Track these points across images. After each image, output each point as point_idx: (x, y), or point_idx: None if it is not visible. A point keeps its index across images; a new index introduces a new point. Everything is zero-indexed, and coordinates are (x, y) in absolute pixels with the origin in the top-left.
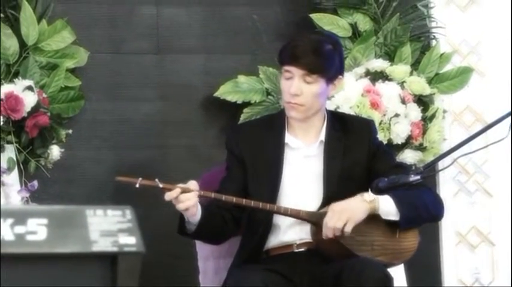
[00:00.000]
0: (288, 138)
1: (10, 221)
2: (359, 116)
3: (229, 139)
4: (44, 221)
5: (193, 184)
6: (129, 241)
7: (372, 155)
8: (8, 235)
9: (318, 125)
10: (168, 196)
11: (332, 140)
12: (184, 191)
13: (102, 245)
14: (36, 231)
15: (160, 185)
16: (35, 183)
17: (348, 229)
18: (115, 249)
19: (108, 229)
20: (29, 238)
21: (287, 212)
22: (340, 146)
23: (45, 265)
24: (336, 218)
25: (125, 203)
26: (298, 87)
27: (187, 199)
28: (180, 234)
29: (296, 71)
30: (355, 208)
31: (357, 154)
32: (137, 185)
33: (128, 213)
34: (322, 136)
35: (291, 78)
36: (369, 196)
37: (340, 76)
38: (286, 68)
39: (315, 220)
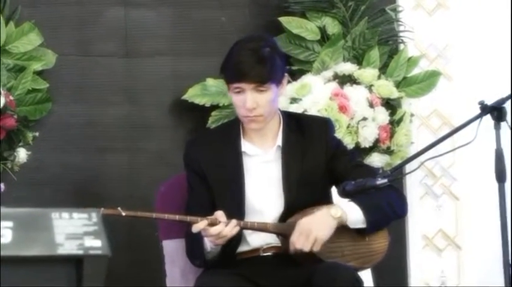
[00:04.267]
0: (245, 146)
1: None
2: (315, 115)
3: (187, 156)
4: (9, 224)
5: (220, 215)
6: (95, 244)
7: (330, 155)
8: None
9: (274, 129)
10: (198, 227)
11: (289, 144)
12: (214, 220)
13: (68, 248)
14: (2, 234)
15: (123, 214)
16: (1, 186)
17: (316, 248)
18: (80, 252)
19: (74, 232)
20: None
21: (254, 227)
22: (297, 149)
23: (11, 268)
24: (303, 239)
25: (92, 207)
26: (253, 101)
27: (227, 233)
28: (192, 258)
29: (246, 86)
30: (322, 225)
31: (315, 155)
32: (100, 213)
33: (94, 216)
34: (279, 141)
35: (242, 92)
36: (335, 211)
37: (286, 74)
38: (234, 85)
39: (281, 231)
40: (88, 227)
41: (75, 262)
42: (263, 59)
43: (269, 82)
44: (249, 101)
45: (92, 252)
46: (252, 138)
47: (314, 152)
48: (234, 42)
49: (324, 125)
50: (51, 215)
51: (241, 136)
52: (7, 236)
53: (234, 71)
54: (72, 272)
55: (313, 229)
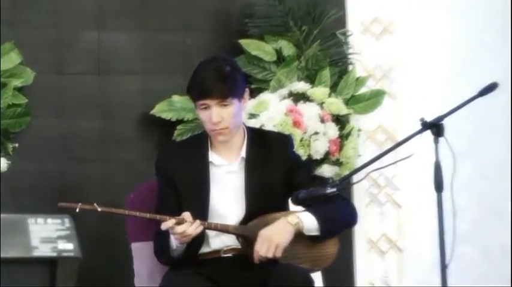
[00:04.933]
0: (212, 156)
1: None
2: (276, 132)
3: (159, 164)
4: None
5: (187, 215)
6: (68, 247)
7: (289, 169)
8: None
9: (238, 142)
10: (166, 225)
11: (252, 157)
12: (181, 220)
13: (42, 250)
14: None
15: (99, 209)
16: None
17: (278, 254)
18: (54, 254)
19: (48, 235)
20: None
21: (217, 228)
22: (260, 161)
23: None
24: (265, 247)
25: (67, 213)
26: (218, 115)
27: (193, 232)
28: (159, 256)
29: (211, 102)
30: (282, 233)
31: (275, 168)
32: (77, 210)
33: (67, 221)
34: (243, 153)
35: (207, 108)
36: (292, 218)
37: (246, 89)
38: (200, 102)
39: (241, 233)
40: (61, 232)
41: (49, 264)
42: (224, 77)
43: (231, 97)
44: (214, 115)
45: (64, 254)
46: (218, 150)
47: (274, 165)
48: (198, 63)
49: (284, 140)
50: (28, 220)
51: (209, 148)
52: None
53: (199, 89)
54: (46, 273)
55: (274, 238)
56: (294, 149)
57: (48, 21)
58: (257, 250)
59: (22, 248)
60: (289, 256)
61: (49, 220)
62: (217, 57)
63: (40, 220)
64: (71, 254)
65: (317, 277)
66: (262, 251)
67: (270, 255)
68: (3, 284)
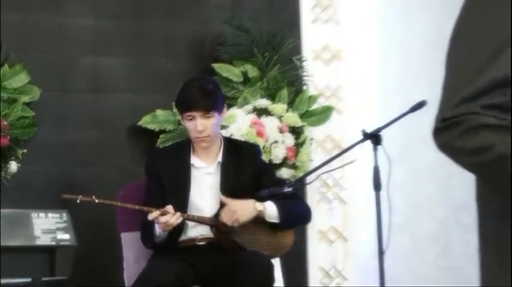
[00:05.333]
0: (194, 160)
1: None
2: (248, 141)
3: (148, 165)
4: None
5: (170, 208)
6: (65, 237)
7: (257, 172)
8: None
9: (216, 149)
10: (152, 216)
11: (227, 161)
12: (165, 212)
13: (43, 240)
14: None
15: (96, 201)
16: None
17: (236, 225)
18: (53, 243)
19: (49, 227)
20: None
21: (195, 219)
22: (233, 165)
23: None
24: (228, 216)
25: (65, 208)
26: (202, 125)
27: (174, 222)
28: (145, 241)
29: (196, 113)
30: (245, 210)
31: (246, 171)
32: (78, 201)
33: (64, 215)
34: (220, 158)
35: (193, 119)
36: (258, 205)
37: (225, 105)
38: (187, 114)
39: (215, 223)
40: (59, 224)
41: (49, 251)
42: (208, 93)
43: (213, 111)
44: (199, 125)
45: (62, 243)
46: (199, 155)
47: (245, 169)
48: (185, 82)
49: (254, 149)
50: (31, 214)
51: (191, 153)
52: None
53: (187, 103)
54: (46, 259)
55: (238, 211)
56: (262, 157)
57: (52, 47)
58: (221, 215)
59: (26, 238)
60: (253, 243)
61: (49, 214)
62: (201, 77)
63: (42, 214)
64: (68, 243)
65: (276, 262)
66: (224, 218)
67: (229, 223)
68: (11, 269)
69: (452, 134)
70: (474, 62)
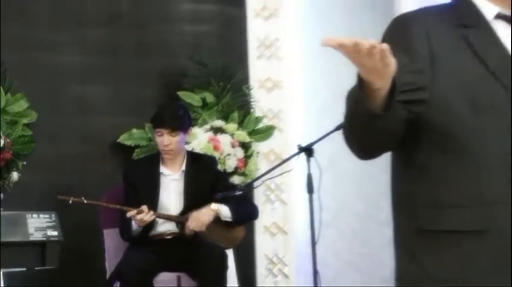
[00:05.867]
0: (162, 169)
1: None
2: (206, 154)
3: (125, 173)
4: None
5: (144, 208)
6: (54, 234)
7: (214, 179)
8: None
9: (180, 160)
10: (130, 214)
11: (189, 170)
12: (140, 211)
13: (36, 236)
14: None
15: (85, 201)
16: (1, 195)
17: (202, 229)
18: (44, 239)
19: (40, 226)
20: None
21: (164, 217)
22: (194, 173)
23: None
24: (194, 224)
25: (55, 210)
26: (168, 141)
27: (148, 219)
28: (123, 235)
29: (164, 131)
30: (205, 215)
31: (205, 179)
32: (70, 202)
33: (53, 216)
34: (183, 167)
35: (162, 135)
36: (214, 206)
37: (191, 127)
38: (158, 129)
39: (180, 220)
40: (49, 223)
41: (41, 245)
42: (176, 116)
43: (178, 130)
44: (165, 140)
45: (51, 239)
46: (167, 165)
47: (204, 176)
48: (162, 104)
49: (211, 160)
50: (26, 215)
51: (160, 163)
52: None
53: (158, 121)
54: (39, 252)
55: (201, 218)
56: (218, 167)
57: (46, 78)
58: (188, 225)
59: (22, 235)
60: (212, 237)
61: (41, 215)
62: (176, 103)
63: (35, 215)
64: (56, 238)
65: (230, 252)
66: (192, 226)
67: (197, 229)
68: (11, 260)
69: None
70: None
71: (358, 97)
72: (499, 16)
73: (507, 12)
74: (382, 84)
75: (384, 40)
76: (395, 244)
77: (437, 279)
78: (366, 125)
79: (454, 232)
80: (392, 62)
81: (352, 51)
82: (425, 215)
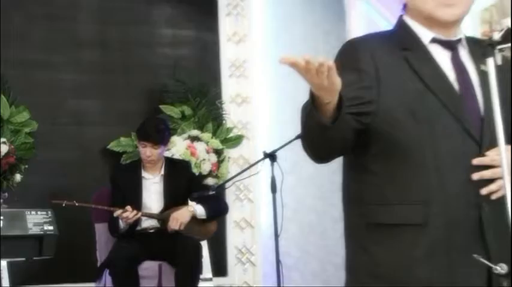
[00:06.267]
0: (144, 173)
1: None
2: (182, 160)
3: (112, 177)
4: (2, 217)
5: (129, 207)
6: (50, 228)
7: (189, 182)
8: None
9: (160, 166)
10: (117, 213)
11: (167, 174)
12: (126, 211)
13: (34, 230)
14: None
15: (77, 204)
16: (6, 194)
17: (181, 228)
18: (41, 233)
19: (38, 221)
20: None
21: (147, 215)
22: (172, 177)
23: (3, 243)
24: (174, 223)
25: (51, 207)
26: (150, 153)
27: (133, 217)
28: (112, 232)
29: (147, 143)
30: (183, 215)
31: (181, 181)
32: (64, 205)
33: (50, 213)
34: (163, 172)
35: (145, 147)
36: (190, 207)
37: (170, 139)
38: (142, 142)
39: (161, 218)
40: (46, 219)
41: (38, 238)
42: (158, 131)
43: (159, 144)
44: (148, 152)
45: (48, 233)
46: (148, 170)
47: (181, 179)
48: (147, 118)
49: (186, 165)
50: (25, 212)
51: (142, 169)
52: (1, 224)
53: (142, 135)
54: (37, 244)
55: (179, 217)
56: (193, 170)
57: (46, 93)
58: (169, 225)
59: (22, 229)
60: (188, 231)
61: (39, 212)
62: (157, 117)
63: (33, 212)
64: (52, 232)
65: (204, 243)
66: (172, 226)
67: (176, 228)
68: (11, 252)
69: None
70: None
71: (311, 110)
72: (434, 40)
73: (441, 37)
74: (330, 99)
75: (336, 61)
76: (346, 237)
77: (382, 266)
78: (318, 134)
79: (398, 225)
80: (337, 80)
81: (304, 70)
82: (374, 212)
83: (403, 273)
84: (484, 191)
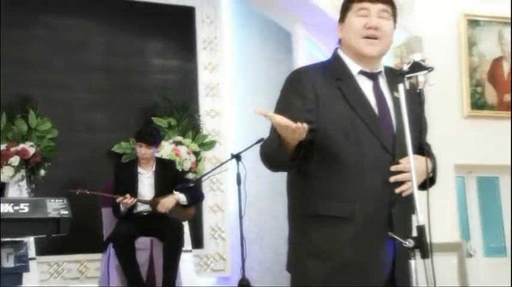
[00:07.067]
0: (139, 169)
1: (11, 204)
2: (169, 159)
3: (115, 173)
4: (27, 204)
5: (128, 195)
6: (65, 212)
7: (174, 176)
8: (10, 210)
9: (152, 164)
10: (119, 199)
11: (157, 170)
12: (126, 198)
13: (53, 214)
14: (24, 208)
15: (88, 192)
16: (33, 185)
17: (167, 211)
18: (59, 216)
19: (56, 207)
20: (21, 211)
21: (141, 201)
22: (161, 173)
23: (29, 223)
24: (161, 207)
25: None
26: (145, 152)
27: (130, 203)
28: (115, 214)
29: (143, 144)
30: (170, 201)
31: (169, 175)
32: (77, 193)
33: (65, 200)
34: (154, 168)
35: (141, 147)
36: (175, 195)
37: (161, 144)
38: (138, 143)
39: (151, 203)
40: (62, 205)
41: (56, 221)
42: (151, 135)
43: (152, 145)
44: (143, 151)
45: (64, 216)
46: (142, 166)
47: (168, 174)
48: (144, 126)
49: (172, 164)
50: (46, 200)
51: (138, 165)
52: (27, 209)
53: (139, 137)
54: (55, 225)
55: (165, 203)
56: (177, 167)
57: (64, 108)
58: (158, 208)
59: (43, 213)
60: (173, 214)
61: (56, 200)
62: (152, 126)
63: (52, 200)
64: (67, 216)
65: (186, 224)
66: (160, 209)
67: (163, 211)
68: (34, 231)
69: (260, 147)
70: (282, 114)
71: (276, 148)
72: (360, 72)
73: (366, 70)
74: (294, 143)
75: (285, 85)
76: (289, 222)
77: (317, 247)
78: (282, 163)
79: (330, 217)
80: (304, 134)
81: (284, 128)
82: (312, 205)
83: (332, 253)
84: (397, 190)
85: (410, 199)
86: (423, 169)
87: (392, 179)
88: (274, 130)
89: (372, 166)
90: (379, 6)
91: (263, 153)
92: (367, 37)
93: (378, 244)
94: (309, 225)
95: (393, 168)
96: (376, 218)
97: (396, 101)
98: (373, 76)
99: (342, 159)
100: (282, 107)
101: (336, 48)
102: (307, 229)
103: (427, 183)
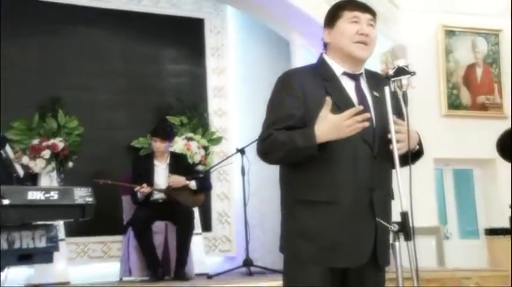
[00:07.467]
0: (155, 162)
1: (43, 192)
2: (182, 153)
3: (133, 165)
4: (57, 191)
5: (145, 185)
6: (90, 199)
7: (186, 168)
8: (41, 197)
9: (166, 157)
10: (137, 188)
11: (171, 162)
12: (143, 187)
13: (80, 200)
14: (54, 195)
15: (110, 182)
16: (62, 175)
17: (176, 185)
18: (84, 202)
19: (82, 195)
20: (51, 198)
21: (157, 189)
22: (175, 164)
23: (58, 209)
24: (173, 180)
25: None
26: (159, 146)
27: (147, 191)
28: (133, 201)
29: (158, 139)
30: (181, 179)
31: (182, 168)
32: (101, 183)
33: (90, 189)
34: (168, 161)
35: (156, 141)
36: (191, 183)
37: (174, 138)
38: (154, 138)
39: (166, 191)
40: (87, 193)
41: (83, 207)
42: (165, 131)
43: (166, 140)
44: (157, 145)
45: (88, 203)
46: (158, 159)
47: (180, 165)
48: (158, 123)
49: (184, 157)
50: (74, 189)
51: (154, 158)
52: (56, 196)
53: (155, 133)
54: (81, 210)
55: (176, 179)
56: (189, 161)
57: (89, 109)
58: (169, 181)
59: (71, 199)
60: (185, 201)
61: (83, 189)
62: (164, 123)
63: (78, 189)
64: (91, 202)
65: (196, 209)
66: (170, 182)
67: (173, 185)
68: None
69: (262, 143)
70: (275, 111)
71: (307, 148)
72: (344, 73)
73: (349, 71)
74: (344, 136)
75: (276, 85)
76: (282, 208)
77: (306, 229)
78: (296, 157)
79: (317, 201)
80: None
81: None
82: (302, 192)
83: (321, 234)
84: (394, 147)
85: (387, 185)
86: (415, 135)
87: (390, 135)
88: (301, 133)
89: (353, 156)
90: (368, 16)
91: (263, 152)
92: (358, 42)
93: (361, 226)
94: (297, 210)
95: (397, 128)
96: (358, 202)
97: (376, 99)
98: (355, 77)
99: (328, 151)
100: (274, 105)
101: (322, 53)
102: (296, 213)
103: (409, 156)
